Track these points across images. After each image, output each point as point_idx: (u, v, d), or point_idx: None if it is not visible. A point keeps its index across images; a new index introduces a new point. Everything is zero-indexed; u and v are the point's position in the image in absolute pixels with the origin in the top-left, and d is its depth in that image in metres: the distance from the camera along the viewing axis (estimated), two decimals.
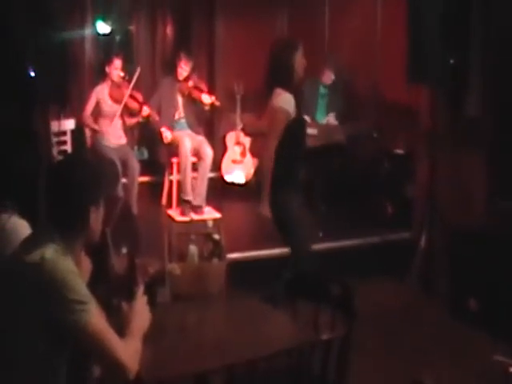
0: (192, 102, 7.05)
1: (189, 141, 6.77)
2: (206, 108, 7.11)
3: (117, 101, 6.72)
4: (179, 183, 6.87)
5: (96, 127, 6.73)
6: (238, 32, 8.36)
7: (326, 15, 8.00)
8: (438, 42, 5.19)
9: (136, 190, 6.58)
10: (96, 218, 2.35)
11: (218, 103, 7.25)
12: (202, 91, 7.05)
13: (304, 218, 4.41)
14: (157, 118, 6.93)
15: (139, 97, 6.87)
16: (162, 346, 2.61)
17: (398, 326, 4.93)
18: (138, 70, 6.89)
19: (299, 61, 4.31)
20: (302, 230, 4.39)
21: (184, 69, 6.93)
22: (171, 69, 7.12)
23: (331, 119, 7.27)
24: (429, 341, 4.74)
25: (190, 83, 6.99)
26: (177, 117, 7.02)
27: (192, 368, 2.54)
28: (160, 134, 6.92)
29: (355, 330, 3.00)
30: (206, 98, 7.01)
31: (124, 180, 6.53)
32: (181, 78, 6.98)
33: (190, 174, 6.77)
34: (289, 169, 4.30)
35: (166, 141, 6.86)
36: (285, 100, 4.22)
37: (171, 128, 6.91)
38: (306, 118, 7.18)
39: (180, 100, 7.05)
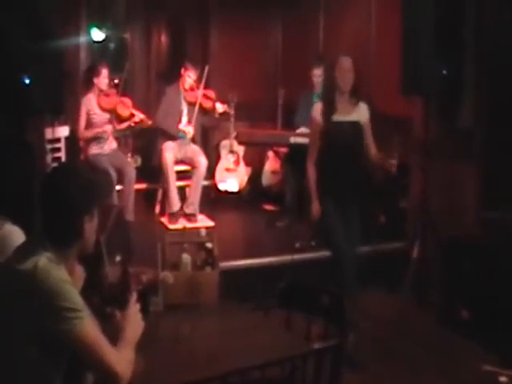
0: (201, 111, 7.04)
1: (171, 154, 6.73)
2: (217, 116, 7.19)
3: (106, 110, 6.69)
4: (165, 195, 6.91)
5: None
6: (232, 42, 8.41)
7: (320, 27, 8.03)
8: (432, 54, 5.23)
9: (132, 198, 6.53)
10: (90, 227, 2.35)
11: (231, 111, 7.37)
12: (213, 100, 7.09)
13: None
14: (149, 123, 6.94)
15: (128, 102, 6.87)
16: (155, 355, 2.61)
17: (389, 336, 4.93)
18: (124, 76, 7.10)
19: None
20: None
21: (191, 77, 6.93)
22: (175, 78, 7.10)
23: None
24: (420, 351, 4.75)
25: (199, 92, 7.00)
26: (181, 125, 6.94)
27: (184, 377, 2.54)
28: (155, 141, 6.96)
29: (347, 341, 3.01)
30: (220, 107, 7.09)
31: (119, 187, 6.48)
32: (187, 86, 6.96)
33: (174, 186, 6.77)
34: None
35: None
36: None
37: (174, 138, 6.89)
38: (302, 129, 7.21)
39: (185, 109, 7.00)
